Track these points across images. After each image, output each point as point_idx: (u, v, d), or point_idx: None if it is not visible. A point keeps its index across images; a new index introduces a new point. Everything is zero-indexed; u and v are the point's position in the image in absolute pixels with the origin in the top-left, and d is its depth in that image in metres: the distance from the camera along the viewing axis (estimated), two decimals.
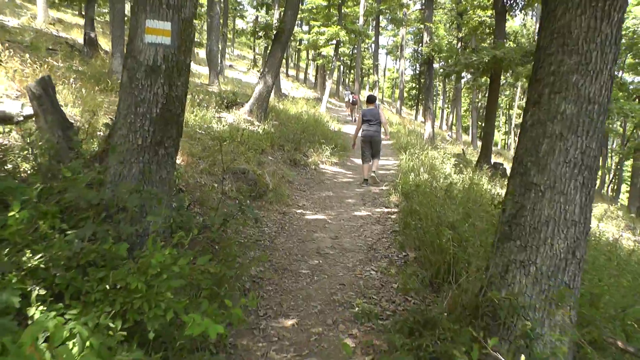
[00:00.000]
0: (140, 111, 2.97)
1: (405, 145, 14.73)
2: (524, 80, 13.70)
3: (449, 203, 5.84)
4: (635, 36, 17.24)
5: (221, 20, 27.06)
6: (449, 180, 7.84)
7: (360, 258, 4.58)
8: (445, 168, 9.86)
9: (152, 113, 2.99)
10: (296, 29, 32.06)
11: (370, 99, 8.80)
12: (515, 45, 12.55)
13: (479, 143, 35.01)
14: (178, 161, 6.10)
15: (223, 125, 9.06)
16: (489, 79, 14.08)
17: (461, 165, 11.37)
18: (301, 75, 46.92)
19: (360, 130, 8.45)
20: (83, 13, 19.59)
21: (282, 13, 15.04)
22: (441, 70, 12.62)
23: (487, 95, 15.16)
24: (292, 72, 46.41)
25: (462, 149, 18.68)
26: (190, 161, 6.09)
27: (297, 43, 40.43)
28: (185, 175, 5.44)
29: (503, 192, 4.20)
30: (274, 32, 12.01)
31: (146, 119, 2.98)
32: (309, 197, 7.24)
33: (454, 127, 39.22)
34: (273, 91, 22.88)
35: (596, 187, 34.28)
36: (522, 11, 13.14)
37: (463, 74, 16.28)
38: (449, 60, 13.43)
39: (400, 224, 5.51)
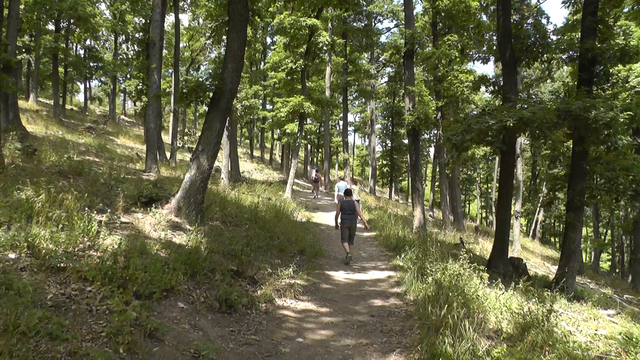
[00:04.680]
0: None
1: (395, 242, 11.04)
2: (561, 150, 10.53)
3: None
4: None
5: (172, 97, 24.09)
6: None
7: None
8: (478, 290, 6.13)
9: None
10: (256, 101, 29.34)
11: (348, 192, 9.97)
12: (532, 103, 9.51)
13: (464, 221, 31.91)
14: None
15: (111, 246, 5.20)
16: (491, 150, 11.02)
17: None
18: (267, 156, 44.23)
19: (339, 217, 9.62)
20: None
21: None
22: (445, 140, 9.35)
23: (498, 170, 11.91)
24: (257, 153, 43.68)
25: (460, 238, 15.20)
26: None
27: (261, 122, 37.93)
28: None
29: None
30: (210, 94, 8.66)
31: None
32: None
33: (435, 208, 36.26)
34: (227, 175, 19.41)
35: (595, 267, 31.17)
36: (539, 61, 10.31)
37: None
38: (446, 130, 10.25)
39: None
